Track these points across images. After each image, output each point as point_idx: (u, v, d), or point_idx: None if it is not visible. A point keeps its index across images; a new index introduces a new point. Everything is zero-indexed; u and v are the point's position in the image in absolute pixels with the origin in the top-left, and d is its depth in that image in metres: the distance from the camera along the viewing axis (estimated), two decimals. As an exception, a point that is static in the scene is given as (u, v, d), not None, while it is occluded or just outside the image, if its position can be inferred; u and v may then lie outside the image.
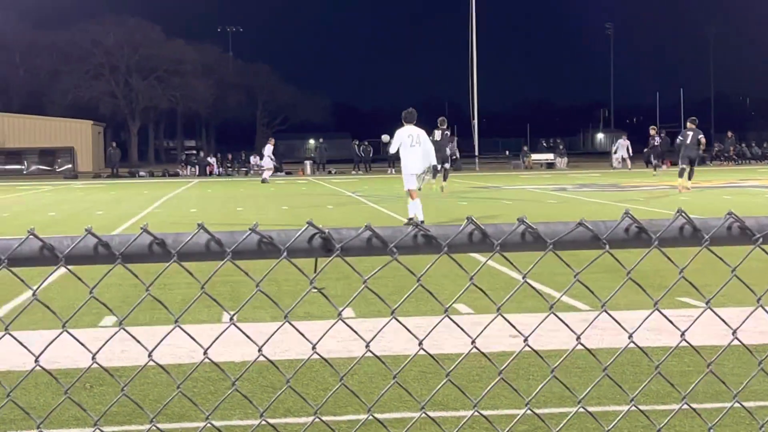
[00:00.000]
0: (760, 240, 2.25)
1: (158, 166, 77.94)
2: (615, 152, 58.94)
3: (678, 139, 31.97)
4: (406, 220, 18.57)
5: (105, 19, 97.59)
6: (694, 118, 31.32)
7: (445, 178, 32.55)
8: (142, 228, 2.07)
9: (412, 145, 18.23)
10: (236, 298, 10.03)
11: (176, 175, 61.68)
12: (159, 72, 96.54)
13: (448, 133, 35.15)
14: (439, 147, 32.33)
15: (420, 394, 6.23)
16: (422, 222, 17.59)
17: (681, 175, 30.14)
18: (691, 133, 30.32)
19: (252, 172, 60.31)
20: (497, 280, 10.83)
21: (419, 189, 18.58)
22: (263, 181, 45.45)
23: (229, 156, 66.37)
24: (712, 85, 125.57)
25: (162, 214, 24.20)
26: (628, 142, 57.92)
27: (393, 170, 58.39)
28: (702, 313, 2.73)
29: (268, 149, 47.69)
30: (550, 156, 65.89)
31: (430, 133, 19.94)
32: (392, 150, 18.85)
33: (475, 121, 67.19)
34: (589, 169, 57.79)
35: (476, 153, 67.00)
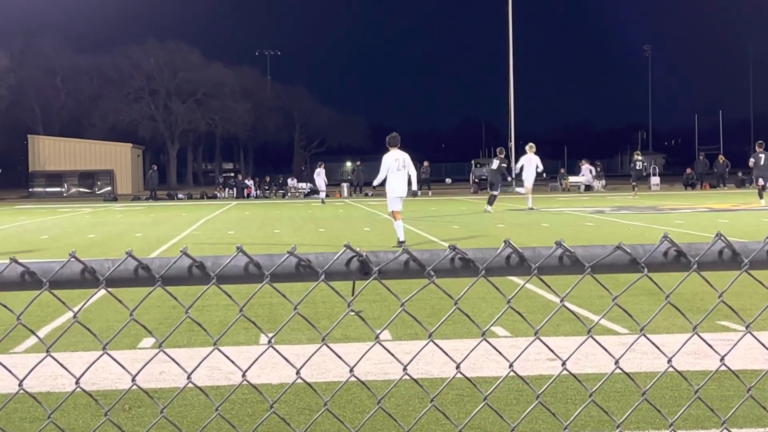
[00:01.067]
0: (801, 264, 2.23)
1: (196, 188, 78.45)
2: (581, 175, 60.54)
3: (750, 161, 35.49)
4: (395, 244, 19.00)
5: (146, 43, 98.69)
6: (761, 141, 34.70)
7: (491, 203, 34.51)
8: (181, 251, 2.09)
9: (399, 168, 18.80)
10: (274, 320, 10.05)
11: (214, 197, 62.04)
12: (198, 95, 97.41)
13: (505, 165, 38.27)
14: (493, 174, 35.72)
15: (457, 417, 6.20)
16: (402, 242, 18.46)
17: (761, 195, 34.33)
18: (763, 156, 34.17)
19: (289, 194, 60.52)
20: (535, 303, 10.78)
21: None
22: (323, 202, 48.20)
23: (267, 178, 66.68)
24: (751, 106, 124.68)
25: (200, 236, 24.34)
26: (591, 167, 59.93)
27: (422, 191, 58.68)
28: (742, 337, 2.70)
29: (322, 173, 51.74)
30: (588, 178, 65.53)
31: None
32: (380, 178, 19.28)
33: (512, 143, 67.04)
34: (627, 191, 57.41)
35: (513, 175, 66.78)
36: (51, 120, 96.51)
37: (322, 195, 50.66)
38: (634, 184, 49.63)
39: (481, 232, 23.83)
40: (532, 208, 34.12)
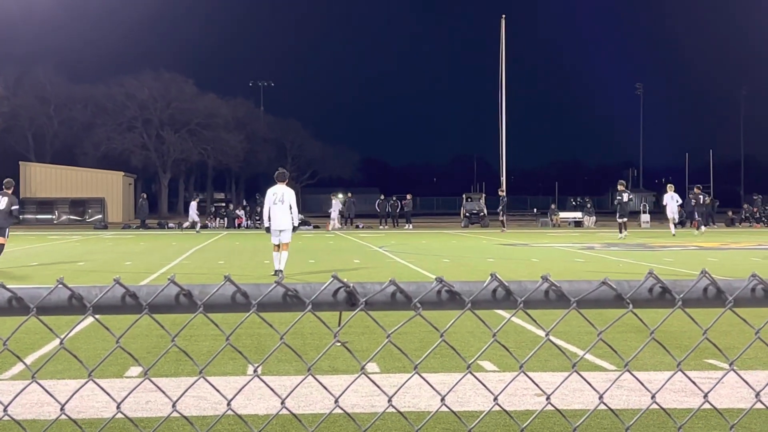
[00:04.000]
0: (785, 302, 2.25)
1: (188, 218, 78.38)
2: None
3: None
4: (272, 273, 20.09)
5: (140, 74, 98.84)
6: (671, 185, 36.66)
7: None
8: (169, 279, 2.10)
9: (275, 203, 19.74)
10: (261, 350, 10.02)
11: (205, 227, 61.96)
12: (191, 125, 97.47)
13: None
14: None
15: (443, 451, 6.18)
16: (280, 271, 19.62)
17: None
18: None
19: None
20: (523, 338, 10.77)
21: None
22: (197, 231, 51.99)
23: (258, 209, 66.63)
24: (742, 146, 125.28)
25: (190, 265, 24.29)
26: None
27: (410, 226, 58.67)
28: (725, 374, 2.72)
29: (194, 205, 57.58)
30: (578, 214, 65.72)
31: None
32: (265, 209, 20.23)
33: (504, 178, 67.22)
34: (618, 228, 57.56)
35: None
36: (43, 147, 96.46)
37: (197, 226, 54.48)
38: (621, 221, 40.69)
39: (471, 266, 23.85)
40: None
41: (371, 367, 8.99)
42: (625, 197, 41.48)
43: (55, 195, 73.51)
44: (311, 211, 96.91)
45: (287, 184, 20.20)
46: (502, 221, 53.59)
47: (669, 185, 44.54)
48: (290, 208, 19.66)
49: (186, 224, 52.82)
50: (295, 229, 19.90)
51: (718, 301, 2.24)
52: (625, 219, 40.80)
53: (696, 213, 49.54)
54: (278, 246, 19.90)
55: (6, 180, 22.70)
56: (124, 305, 2.09)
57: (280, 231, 19.73)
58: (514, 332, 11.08)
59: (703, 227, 46.51)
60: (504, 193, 56.69)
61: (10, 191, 22.23)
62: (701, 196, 50.49)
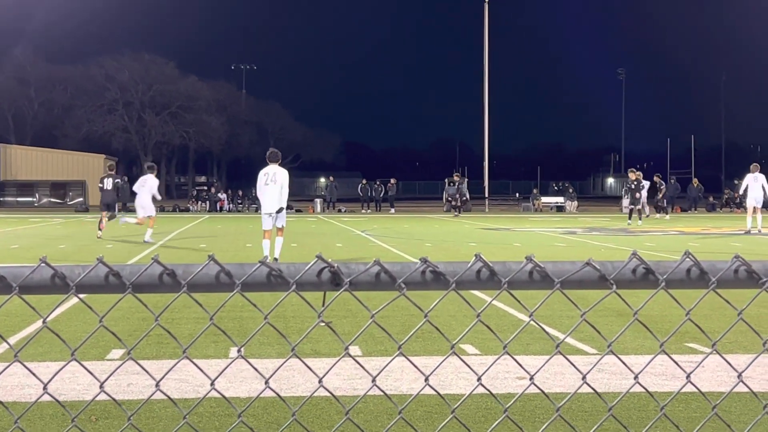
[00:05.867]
0: (767, 284, 2.26)
1: (169, 201, 78.09)
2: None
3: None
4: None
5: (121, 55, 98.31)
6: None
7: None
8: (153, 258, 2.09)
9: (266, 183, 18.08)
10: (244, 333, 10.02)
11: (186, 210, 61.79)
12: (172, 108, 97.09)
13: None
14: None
15: (425, 433, 6.20)
16: (275, 260, 17.58)
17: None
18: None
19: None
20: (505, 322, 10.80)
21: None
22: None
23: (240, 192, 66.50)
24: (723, 132, 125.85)
25: (172, 248, 24.24)
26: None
27: (393, 210, 58.79)
28: (707, 356, 2.73)
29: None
30: (560, 199, 65.85)
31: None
32: (258, 192, 18.44)
33: (486, 162, 67.32)
34: (599, 213, 57.76)
35: (486, 195, 67.08)
36: (23, 130, 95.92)
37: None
38: (633, 208, 40.88)
39: (453, 250, 23.88)
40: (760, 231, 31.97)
41: (354, 350, 9.00)
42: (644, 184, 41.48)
43: (35, 177, 73.18)
44: (293, 195, 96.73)
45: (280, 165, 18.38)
46: (458, 206, 53.93)
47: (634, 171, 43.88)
48: (281, 188, 17.99)
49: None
50: (279, 211, 18.14)
51: (701, 282, 2.24)
52: (634, 207, 40.71)
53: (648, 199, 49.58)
54: (269, 231, 18.34)
55: None
56: (107, 284, 2.08)
57: (271, 214, 18.17)
58: (497, 316, 11.11)
59: (647, 213, 47.06)
60: (459, 178, 56.87)
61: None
62: (655, 183, 50.53)
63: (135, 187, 28.11)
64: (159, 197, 28.13)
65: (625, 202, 42.47)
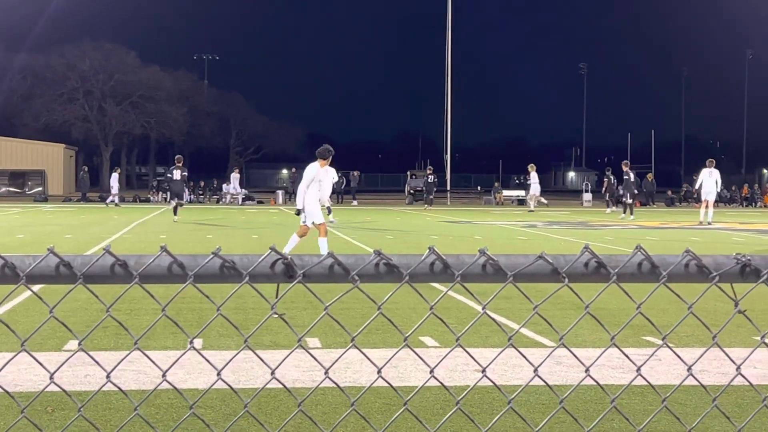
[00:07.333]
0: (717, 278, 2.28)
1: (129, 191, 77.50)
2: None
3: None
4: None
5: (81, 44, 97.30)
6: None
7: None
8: (104, 249, 2.08)
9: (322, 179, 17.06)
10: (202, 325, 9.98)
11: (147, 201, 61.41)
12: (133, 98, 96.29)
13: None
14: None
15: (382, 425, 6.21)
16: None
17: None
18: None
19: (224, 200, 60.13)
20: (464, 314, 10.84)
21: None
22: (116, 205, 51.77)
23: (201, 183, 66.15)
24: (683, 127, 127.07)
25: (131, 239, 24.07)
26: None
27: (356, 202, 58.82)
28: (657, 349, 2.76)
29: (116, 176, 56.65)
30: (521, 193, 66.14)
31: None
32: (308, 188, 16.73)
33: (448, 155, 67.46)
34: (560, 207, 58.09)
35: (448, 188, 67.22)
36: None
37: (115, 199, 53.64)
38: (627, 202, 40.07)
39: (415, 242, 23.92)
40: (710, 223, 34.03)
41: (313, 342, 9.01)
42: (632, 176, 40.33)
43: (-7, 167, 72.35)
44: (255, 186, 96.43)
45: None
46: (431, 199, 54.04)
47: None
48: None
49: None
50: (299, 212, 16.75)
51: (652, 276, 2.27)
52: (631, 201, 40.03)
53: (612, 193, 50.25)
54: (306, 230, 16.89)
55: None
56: (58, 275, 2.06)
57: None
58: (456, 309, 11.15)
59: (611, 208, 47.82)
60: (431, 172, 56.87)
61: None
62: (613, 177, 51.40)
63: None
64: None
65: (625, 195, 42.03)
